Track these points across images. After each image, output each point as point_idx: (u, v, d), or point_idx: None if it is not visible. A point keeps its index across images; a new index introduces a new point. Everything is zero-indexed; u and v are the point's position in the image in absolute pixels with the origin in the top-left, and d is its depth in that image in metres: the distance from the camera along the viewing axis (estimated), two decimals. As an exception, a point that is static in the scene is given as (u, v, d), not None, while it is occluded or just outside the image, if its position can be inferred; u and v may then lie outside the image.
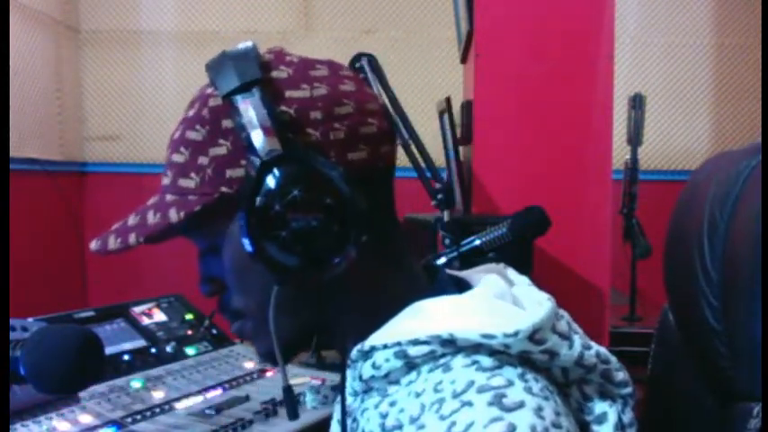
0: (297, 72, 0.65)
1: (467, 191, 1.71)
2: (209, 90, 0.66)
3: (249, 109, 0.61)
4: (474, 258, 0.91)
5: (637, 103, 2.39)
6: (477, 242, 0.92)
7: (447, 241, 1.17)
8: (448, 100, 1.67)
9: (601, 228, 1.65)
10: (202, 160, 0.64)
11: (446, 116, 1.69)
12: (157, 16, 3.12)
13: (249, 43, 0.65)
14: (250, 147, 0.61)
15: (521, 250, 1.25)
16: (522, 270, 0.76)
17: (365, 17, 3.12)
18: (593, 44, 1.63)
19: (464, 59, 2.14)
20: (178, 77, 3.10)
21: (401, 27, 3.11)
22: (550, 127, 1.65)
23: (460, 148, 1.78)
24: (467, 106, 1.74)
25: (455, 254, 0.93)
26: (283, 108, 0.63)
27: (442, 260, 0.92)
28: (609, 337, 1.69)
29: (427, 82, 3.08)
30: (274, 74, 0.64)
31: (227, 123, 0.64)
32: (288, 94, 0.63)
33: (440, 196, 1.25)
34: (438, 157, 1.70)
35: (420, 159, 1.38)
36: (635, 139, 2.37)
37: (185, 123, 0.67)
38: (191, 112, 0.67)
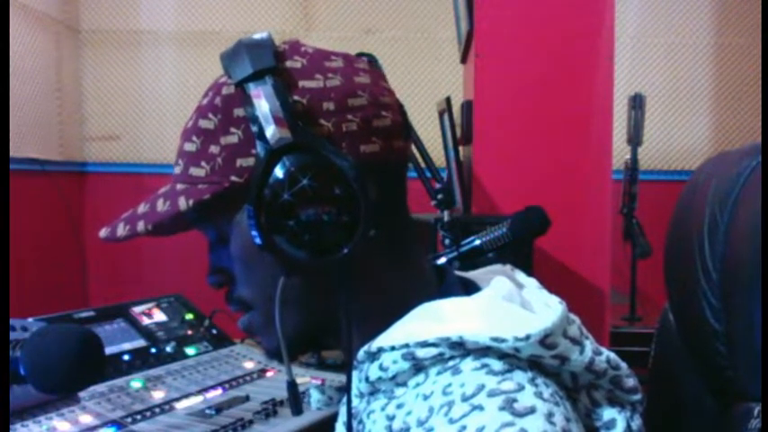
0: (311, 62, 0.64)
1: (467, 191, 1.70)
2: (223, 79, 0.66)
3: (261, 97, 0.60)
4: (474, 258, 0.91)
5: (637, 103, 2.39)
6: (477, 242, 0.92)
7: (447, 241, 1.17)
8: (448, 100, 1.67)
9: (601, 228, 1.65)
10: (213, 149, 0.64)
11: (446, 116, 1.69)
12: (157, 16, 3.12)
13: (264, 34, 0.64)
14: (261, 135, 0.60)
15: (521, 250, 1.25)
16: (521, 270, 0.76)
17: (365, 17, 3.12)
18: (593, 44, 1.63)
19: (464, 59, 2.14)
20: (178, 77, 3.09)
21: (401, 27, 3.11)
22: (550, 127, 1.64)
23: (460, 148, 1.78)
24: (467, 106, 1.74)
25: (455, 254, 0.93)
26: (296, 97, 0.62)
27: (442, 260, 0.92)
28: (609, 337, 1.69)
29: (427, 82, 3.08)
30: (288, 63, 0.64)
31: (238, 112, 0.63)
32: (301, 83, 0.63)
33: (440, 196, 1.25)
34: (438, 157, 1.70)
35: (420, 159, 1.38)
36: (635, 139, 2.38)
37: (198, 112, 0.66)
38: (204, 101, 0.66)
